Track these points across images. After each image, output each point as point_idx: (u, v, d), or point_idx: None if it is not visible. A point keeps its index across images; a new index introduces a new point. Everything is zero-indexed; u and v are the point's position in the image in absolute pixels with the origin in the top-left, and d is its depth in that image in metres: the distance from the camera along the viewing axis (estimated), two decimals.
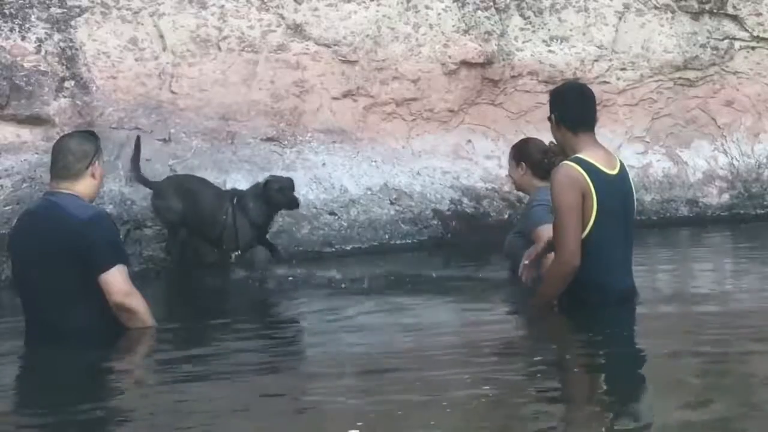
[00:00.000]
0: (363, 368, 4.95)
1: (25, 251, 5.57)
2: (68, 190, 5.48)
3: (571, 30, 9.57)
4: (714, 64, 9.91)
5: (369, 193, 8.77)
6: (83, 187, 5.49)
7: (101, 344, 5.36)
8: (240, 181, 8.41)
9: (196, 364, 5.25)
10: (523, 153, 6.65)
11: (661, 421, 4.09)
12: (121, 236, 5.66)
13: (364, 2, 9.04)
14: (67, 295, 5.39)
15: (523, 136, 7.45)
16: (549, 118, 5.73)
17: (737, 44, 9.97)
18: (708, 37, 9.89)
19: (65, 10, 8.33)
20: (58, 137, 8.01)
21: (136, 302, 5.44)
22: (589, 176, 5.48)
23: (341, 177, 8.75)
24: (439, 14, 9.21)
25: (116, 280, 5.36)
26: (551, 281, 5.61)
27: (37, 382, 5.11)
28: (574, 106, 5.67)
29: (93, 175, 5.52)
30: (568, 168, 5.50)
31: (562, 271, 5.52)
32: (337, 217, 8.55)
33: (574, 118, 5.63)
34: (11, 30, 8.17)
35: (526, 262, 6.02)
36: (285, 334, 5.87)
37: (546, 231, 5.91)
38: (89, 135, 5.78)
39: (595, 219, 5.49)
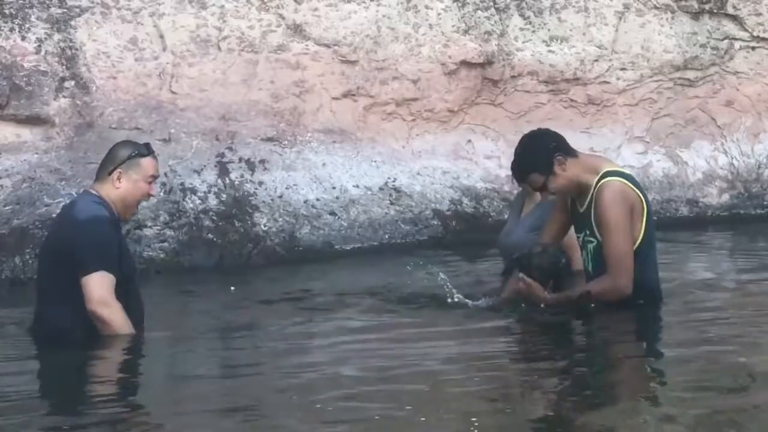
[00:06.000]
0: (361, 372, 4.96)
1: (41, 247, 5.82)
2: (95, 190, 5.53)
3: (571, 30, 9.57)
4: (714, 64, 9.91)
5: (369, 193, 8.77)
6: (106, 191, 5.49)
7: (92, 346, 5.32)
8: (239, 181, 8.42)
9: (193, 365, 5.25)
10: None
11: (666, 420, 4.09)
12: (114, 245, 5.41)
13: (364, 2, 9.04)
14: (56, 294, 5.40)
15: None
16: (552, 171, 5.56)
17: (737, 44, 9.96)
18: (708, 37, 9.88)
19: (65, 10, 8.33)
20: (57, 137, 8.10)
21: (109, 313, 5.29)
22: (637, 188, 5.54)
23: (341, 177, 8.75)
24: (439, 14, 9.20)
25: (94, 287, 5.27)
26: (604, 298, 5.56)
27: (35, 381, 5.11)
28: (555, 139, 5.71)
29: (114, 182, 5.47)
30: (618, 185, 5.50)
31: (618, 296, 5.52)
32: (337, 217, 8.55)
33: (564, 145, 5.67)
34: (11, 30, 8.16)
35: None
36: (288, 338, 5.85)
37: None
38: (131, 144, 5.66)
39: (645, 228, 5.55)
